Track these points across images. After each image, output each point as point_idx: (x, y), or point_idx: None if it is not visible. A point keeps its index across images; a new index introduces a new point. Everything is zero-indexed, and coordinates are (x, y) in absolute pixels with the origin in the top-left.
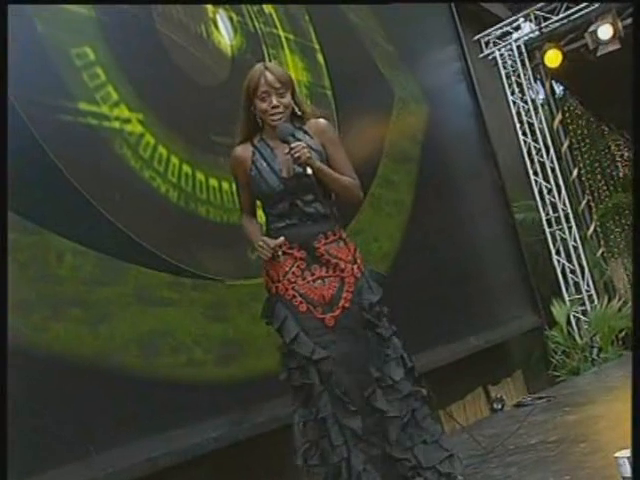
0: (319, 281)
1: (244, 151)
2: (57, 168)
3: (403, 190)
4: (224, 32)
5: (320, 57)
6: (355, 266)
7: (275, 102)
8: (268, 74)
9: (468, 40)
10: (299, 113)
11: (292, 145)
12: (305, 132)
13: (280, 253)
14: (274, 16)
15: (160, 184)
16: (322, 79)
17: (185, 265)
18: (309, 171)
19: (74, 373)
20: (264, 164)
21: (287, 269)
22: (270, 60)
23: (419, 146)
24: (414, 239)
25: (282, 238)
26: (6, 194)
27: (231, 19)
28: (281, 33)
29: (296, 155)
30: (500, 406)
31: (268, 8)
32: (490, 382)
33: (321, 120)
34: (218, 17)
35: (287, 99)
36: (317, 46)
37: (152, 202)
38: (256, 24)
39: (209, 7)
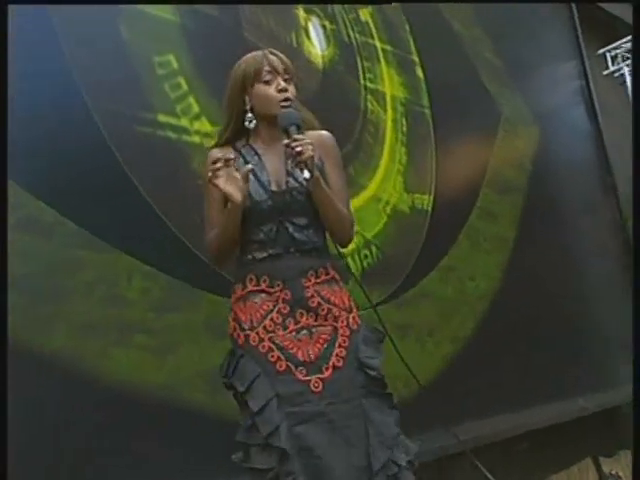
0: (304, 331)
1: (224, 155)
2: (131, 182)
3: (505, 224)
4: (316, 42)
5: (419, 71)
6: (352, 315)
7: (284, 84)
8: (272, 57)
9: (591, 54)
10: None
11: (295, 136)
12: None
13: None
14: (371, 25)
15: None
16: (420, 96)
17: None
18: (307, 175)
19: (134, 405)
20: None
21: (264, 314)
22: (365, 74)
23: (526, 175)
24: (516, 280)
25: (249, 166)
26: (6, 194)
27: (324, 27)
28: (378, 44)
29: (297, 149)
30: None
31: (365, 16)
32: (602, 453)
33: (325, 132)
34: (310, 25)
35: (293, 89)
36: (416, 59)
37: None
38: (351, 33)
39: (301, 14)
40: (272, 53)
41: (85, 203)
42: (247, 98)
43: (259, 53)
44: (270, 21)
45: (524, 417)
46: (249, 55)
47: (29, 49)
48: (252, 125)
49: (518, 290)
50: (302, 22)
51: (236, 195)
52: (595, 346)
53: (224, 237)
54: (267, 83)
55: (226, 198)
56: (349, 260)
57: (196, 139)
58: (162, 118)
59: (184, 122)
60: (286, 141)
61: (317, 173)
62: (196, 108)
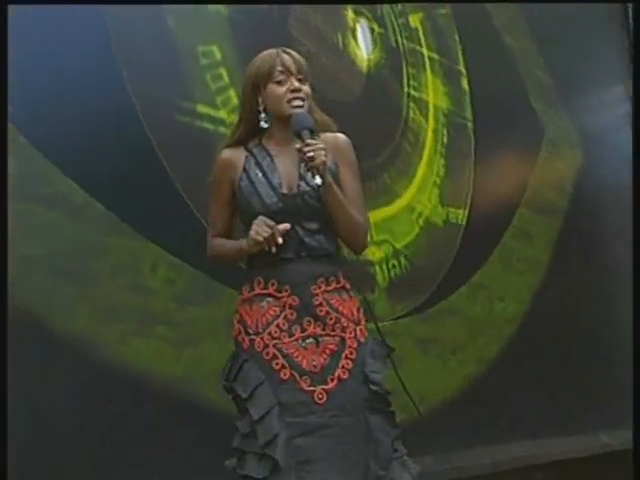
0: (311, 340)
1: (235, 155)
2: (164, 171)
3: (540, 246)
4: (362, 44)
5: (465, 83)
6: (360, 327)
7: (297, 84)
8: (285, 56)
9: None
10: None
11: (308, 140)
12: None
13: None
14: (420, 31)
15: None
16: (464, 108)
17: None
18: (318, 181)
19: (148, 395)
20: (259, 174)
21: (270, 319)
22: (409, 81)
23: (566, 198)
24: (547, 304)
25: (288, 225)
26: (6, 194)
27: (372, 30)
28: (425, 51)
29: (310, 154)
30: None
31: (415, 22)
32: None
33: (341, 135)
34: (358, 27)
35: (307, 89)
36: (463, 70)
37: None
38: (399, 39)
39: (349, 15)
40: (285, 52)
41: (116, 187)
42: (260, 99)
43: (273, 52)
44: (318, 20)
45: (543, 447)
46: (263, 53)
47: (73, 29)
48: (267, 125)
49: (548, 315)
50: (350, 23)
51: (254, 250)
52: (626, 379)
53: (224, 260)
54: (279, 83)
55: (232, 203)
56: (376, 269)
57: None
58: (201, 108)
59: (222, 114)
60: (298, 145)
61: (330, 179)
62: (235, 101)
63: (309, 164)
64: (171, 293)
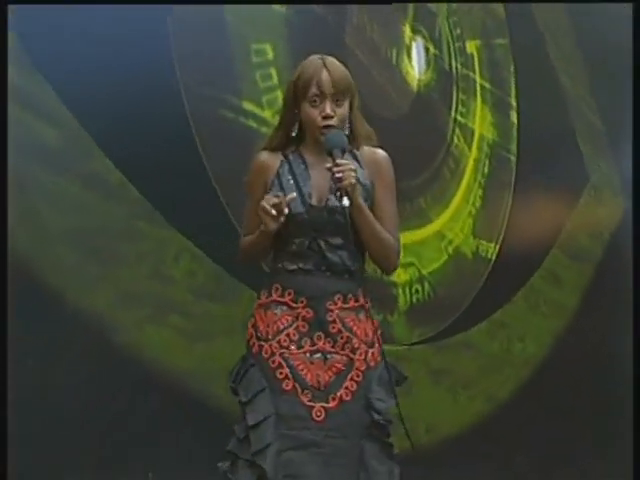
0: (319, 355)
1: (271, 159)
2: (201, 162)
3: (569, 291)
4: (415, 63)
5: (514, 116)
6: (372, 351)
7: (329, 110)
8: (325, 74)
9: None
10: (347, 133)
11: (338, 161)
12: (355, 158)
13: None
14: (475, 58)
15: None
16: (509, 141)
17: None
18: (346, 202)
19: (156, 386)
20: (291, 181)
21: (281, 327)
22: (458, 106)
23: (602, 245)
24: (568, 351)
25: (293, 194)
26: (6, 194)
27: (427, 50)
28: (478, 79)
29: (338, 175)
30: None
31: (471, 48)
32: None
33: (381, 151)
34: (414, 45)
35: (344, 109)
36: (514, 102)
37: None
38: (453, 62)
39: (407, 31)
40: (327, 67)
41: (153, 174)
42: (297, 110)
43: (315, 63)
44: (375, 32)
45: None
46: (307, 62)
47: (132, 17)
48: (293, 134)
49: (568, 362)
50: (406, 40)
51: (270, 225)
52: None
53: (252, 251)
54: (314, 104)
55: None
56: (399, 291)
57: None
58: (247, 105)
59: (267, 114)
60: (328, 165)
61: (360, 201)
62: (281, 102)
63: (337, 185)
64: (190, 285)
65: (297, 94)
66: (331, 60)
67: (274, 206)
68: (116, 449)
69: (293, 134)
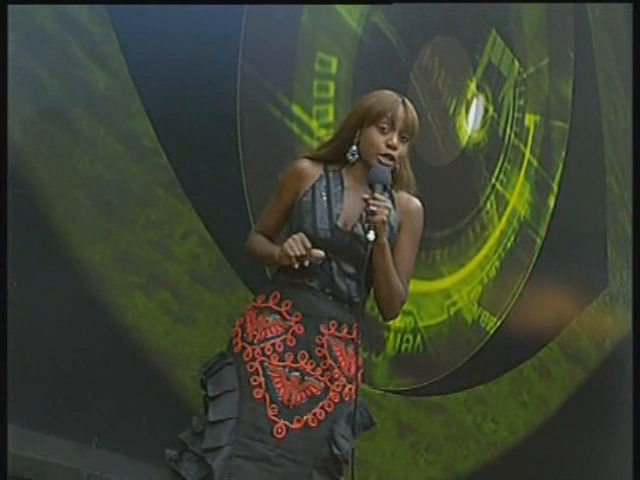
0: (297, 374)
1: (312, 169)
2: (236, 150)
3: (556, 389)
4: (471, 119)
5: (552, 200)
6: (349, 387)
7: (395, 141)
8: (401, 109)
9: None
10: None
11: (377, 195)
12: (391, 199)
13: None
14: (530, 132)
15: None
16: (540, 224)
17: None
18: (371, 236)
19: (127, 351)
20: (324, 198)
21: (269, 335)
22: (499, 174)
23: (601, 354)
24: (540, 448)
25: (322, 253)
26: (6, 194)
27: (486, 111)
28: (527, 153)
29: (373, 208)
30: None
31: (529, 121)
32: None
33: (415, 200)
34: (475, 101)
35: (405, 149)
36: (556, 188)
37: None
38: (508, 130)
39: (472, 86)
40: (405, 105)
41: (186, 148)
42: (359, 132)
43: (394, 97)
44: (440, 77)
45: None
46: (385, 93)
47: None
48: (353, 159)
49: (535, 458)
50: (468, 95)
51: (284, 261)
52: None
53: (256, 256)
54: (382, 131)
55: (287, 211)
56: (390, 335)
57: (314, 145)
58: (296, 110)
59: (313, 124)
60: (366, 196)
61: (384, 240)
62: (330, 118)
63: (369, 217)
64: (190, 267)
65: (366, 118)
66: (408, 101)
67: (297, 257)
68: (69, 402)
69: (353, 158)
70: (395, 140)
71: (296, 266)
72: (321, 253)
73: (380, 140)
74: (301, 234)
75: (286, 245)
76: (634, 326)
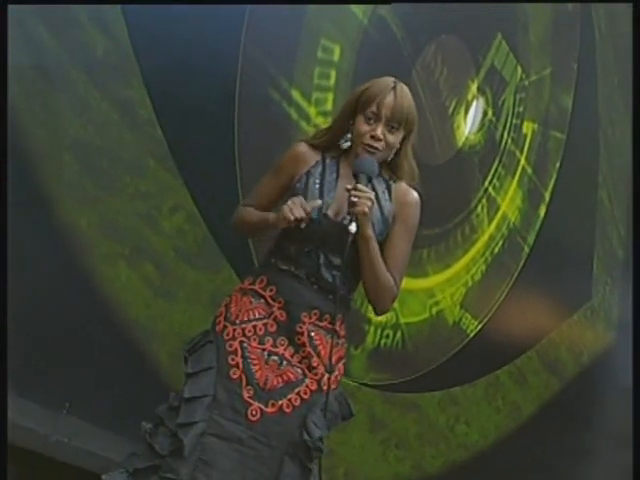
0: (275, 358)
1: (309, 154)
2: (232, 128)
3: (531, 397)
4: (469, 121)
5: (543, 209)
6: (328, 377)
7: (379, 132)
8: (390, 97)
9: None
10: (389, 162)
11: (358, 185)
12: (388, 190)
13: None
14: (527, 139)
15: None
16: (529, 232)
17: None
18: (353, 228)
19: (104, 319)
20: (317, 185)
21: (252, 317)
22: (492, 178)
23: (577, 366)
24: (509, 454)
25: (319, 201)
26: (6, 194)
27: (485, 114)
28: (522, 160)
29: (354, 199)
30: None
31: (527, 129)
32: None
33: (414, 192)
34: (474, 103)
35: (395, 139)
36: (548, 197)
37: None
38: (505, 135)
39: (473, 88)
40: (395, 93)
41: (182, 120)
42: (352, 120)
43: (387, 84)
44: (442, 76)
45: None
46: (379, 81)
47: None
48: (345, 146)
49: (504, 463)
50: (469, 96)
51: (281, 223)
52: None
53: (245, 227)
54: (368, 121)
55: (280, 194)
56: (370, 329)
57: (310, 131)
58: (295, 94)
59: (311, 111)
60: (349, 186)
61: (369, 232)
62: (329, 106)
63: (349, 209)
64: (176, 242)
65: (357, 106)
66: (402, 87)
67: (297, 220)
68: (42, 367)
69: (345, 145)
70: (379, 131)
71: (293, 225)
72: (318, 202)
73: (365, 130)
74: (300, 197)
75: (286, 207)
76: (634, 326)
